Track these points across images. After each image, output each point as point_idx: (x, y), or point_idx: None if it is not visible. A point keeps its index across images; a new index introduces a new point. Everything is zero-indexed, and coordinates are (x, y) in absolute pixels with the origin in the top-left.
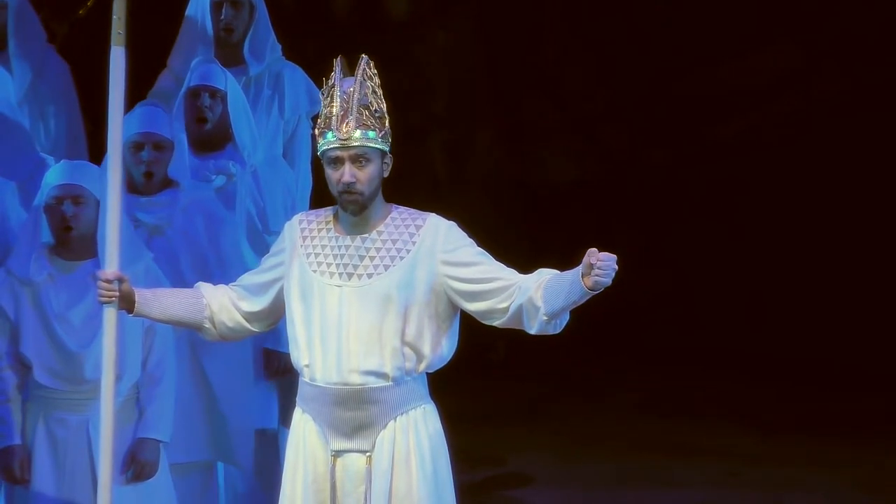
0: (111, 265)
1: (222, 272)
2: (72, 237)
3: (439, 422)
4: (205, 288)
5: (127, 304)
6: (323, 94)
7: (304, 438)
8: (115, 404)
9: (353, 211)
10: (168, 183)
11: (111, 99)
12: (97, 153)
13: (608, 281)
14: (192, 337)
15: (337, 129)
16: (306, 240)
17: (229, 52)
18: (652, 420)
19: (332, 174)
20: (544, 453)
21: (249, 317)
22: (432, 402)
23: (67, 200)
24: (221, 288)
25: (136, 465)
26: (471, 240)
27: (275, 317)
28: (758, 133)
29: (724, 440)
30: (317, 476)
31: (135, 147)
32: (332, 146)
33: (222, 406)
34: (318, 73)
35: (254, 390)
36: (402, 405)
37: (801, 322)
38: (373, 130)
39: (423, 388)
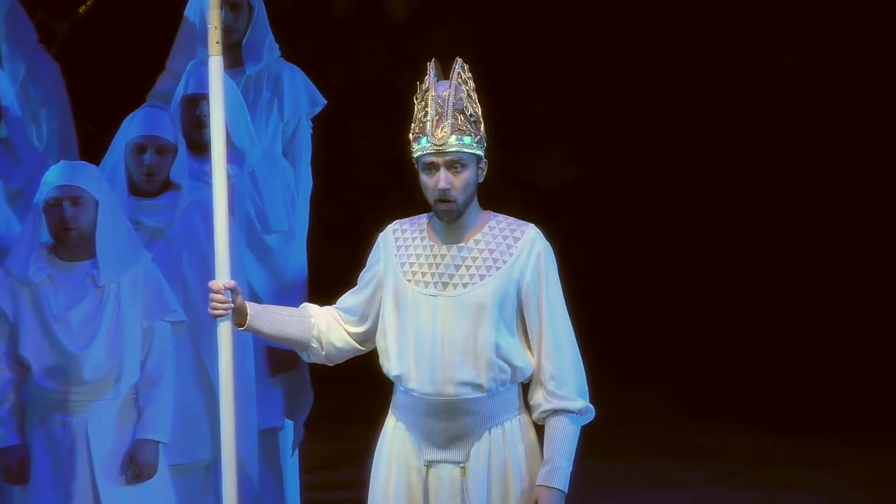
0: (222, 275)
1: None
2: (71, 237)
3: (534, 433)
4: (311, 307)
5: (240, 317)
6: (416, 99)
7: (398, 447)
8: (115, 405)
9: (448, 220)
10: (169, 185)
11: (212, 108)
12: (97, 153)
13: None
14: (194, 336)
15: (431, 134)
16: (400, 249)
17: (228, 52)
18: (652, 420)
19: (426, 180)
20: None
21: (358, 338)
22: (526, 412)
23: (66, 201)
24: (326, 308)
25: (134, 466)
26: (557, 276)
27: None
28: (758, 133)
29: (724, 440)
30: (410, 486)
31: (137, 149)
32: (426, 152)
33: None
34: (318, 74)
35: (255, 390)
36: (496, 416)
37: (802, 322)
38: (468, 135)
39: (516, 399)
